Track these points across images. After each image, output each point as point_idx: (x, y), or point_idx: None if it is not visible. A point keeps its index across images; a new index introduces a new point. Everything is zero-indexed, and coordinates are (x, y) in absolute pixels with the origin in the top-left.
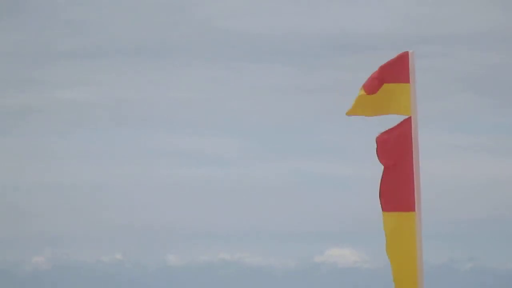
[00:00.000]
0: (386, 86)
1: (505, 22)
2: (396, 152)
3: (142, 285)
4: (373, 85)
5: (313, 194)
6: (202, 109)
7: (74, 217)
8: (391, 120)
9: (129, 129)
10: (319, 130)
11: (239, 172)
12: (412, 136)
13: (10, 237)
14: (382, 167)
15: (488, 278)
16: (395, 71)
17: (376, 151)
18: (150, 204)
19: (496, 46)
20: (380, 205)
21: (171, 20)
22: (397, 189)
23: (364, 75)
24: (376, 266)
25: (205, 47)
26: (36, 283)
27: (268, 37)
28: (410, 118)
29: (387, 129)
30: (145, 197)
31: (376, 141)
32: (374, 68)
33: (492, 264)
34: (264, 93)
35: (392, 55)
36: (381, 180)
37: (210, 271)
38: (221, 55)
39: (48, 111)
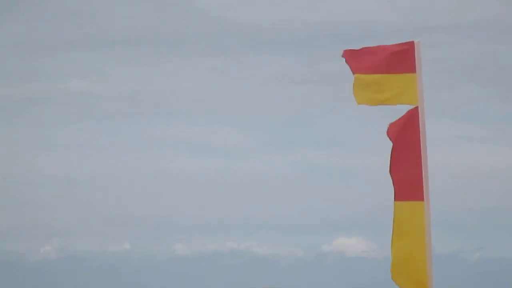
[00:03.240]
0: (392, 76)
1: (508, 12)
2: (404, 142)
3: (150, 274)
4: (376, 64)
5: (320, 184)
6: (208, 100)
7: (81, 208)
8: (398, 111)
9: (135, 120)
10: (325, 121)
11: (246, 163)
12: (420, 126)
13: (19, 227)
14: (390, 157)
15: (495, 268)
16: (401, 61)
17: (390, 139)
18: (157, 194)
19: (500, 36)
20: (394, 194)
21: (176, 12)
22: (406, 179)
23: None
24: (384, 255)
25: (210, 38)
26: (44, 272)
27: (272, 28)
28: (417, 108)
29: (395, 120)
30: (152, 187)
31: (388, 134)
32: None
33: (500, 254)
34: (269, 84)
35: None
36: (391, 169)
37: (217, 260)
38: (226, 47)
39: (53, 102)
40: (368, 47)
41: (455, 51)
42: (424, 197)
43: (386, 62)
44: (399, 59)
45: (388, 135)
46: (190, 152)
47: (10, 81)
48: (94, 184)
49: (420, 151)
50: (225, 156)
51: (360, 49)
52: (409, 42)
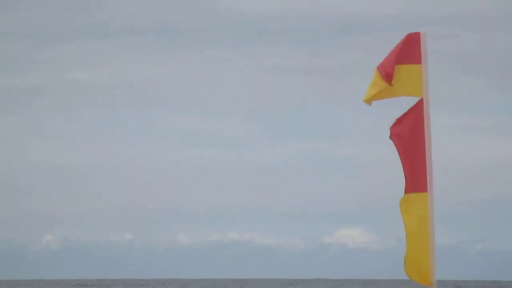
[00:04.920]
0: (398, 68)
1: (509, 3)
2: (409, 134)
3: (152, 264)
4: (390, 73)
5: (323, 175)
6: (211, 90)
7: (83, 198)
8: (402, 101)
9: (138, 110)
10: (328, 111)
11: (249, 153)
12: (424, 118)
13: (21, 217)
14: (395, 149)
15: (497, 259)
16: (407, 52)
17: (391, 137)
18: (159, 184)
19: (500, 27)
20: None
21: (179, 3)
22: (410, 170)
23: (374, 56)
24: (386, 247)
25: (214, 28)
26: (46, 262)
27: (277, 18)
28: (422, 99)
29: (399, 115)
30: (155, 177)
31: (391, 131)
32: (384, 49)
33: (501, 246)
34: (272, 74)
35: (401, 36)
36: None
37: (219, 251)
38: (230, 37)
39: (58, 91)
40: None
41: (454, 43)
42: (428, 189)
43: (394, 55)
44: (405, 50)
45: (391, 136)
46: (193, 142)
47: (12, 71)
48: (97, 174)
49: (424, 142)
50: (227, 147)
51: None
52: (415, 33)
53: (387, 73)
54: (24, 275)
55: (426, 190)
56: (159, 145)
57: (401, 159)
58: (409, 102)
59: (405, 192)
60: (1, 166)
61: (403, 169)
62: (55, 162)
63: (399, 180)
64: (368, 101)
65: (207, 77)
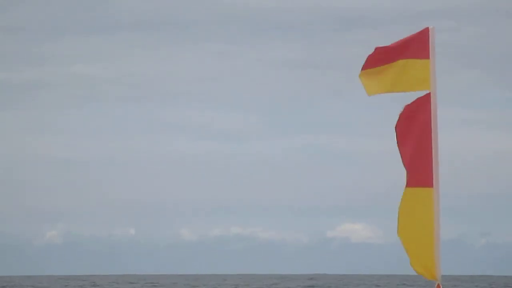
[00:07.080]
0: (405, 62)
1: None
2: (415, 128)
3: (155, 259)
4: (388, 55)
5: (325, 169)
6: (214, 84)
7: (86, 192)
8: (404, 95)
9: (140, 104)
10: (331, 105)
11: (250, 147)
12: (431, 112)
13: (24, 212)
14: (398, 142)
15: (501, 253)
16: (416, 47)
17: (396, 128)
18: (162, 178)
19: (499, 20)
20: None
21: None
22: (416, 165)
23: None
24: (389, 241)
25: (217, 23)
26: (50, 256)
27: (279, 12)
28: (429, 93)
29: (401, 104)
30: (157, 171)
31: (397, 124)
32: (386, 42)
33: (506, 239)
34: (274, 68)
35: (400, 29)
36: (403, 156)
37: (222, 245)
38: (232, 30)
39: (59, 85)
40: (384, 46)
41: (454, 36)
42: (434, 184)
43: (399, 49)
44: (413, 45)
45: (400, 118)
46: (195, 136)
47: (13, 65)
48: (99, 168)
49: (431, 137)
50: (229, 140)
51: (376, 48)
52: (424, 29)
53: (380, 57)
54: (27, 270)
55: (432, 185)
56: (161, 139)
57: (400, 150)
58: (411, 96)
59: (408, 186)
60: (3, 161)
61: (404, 162)
62: (57, 157)
63: (403, 174)
64: (373, 94)
65: (209, 71)
